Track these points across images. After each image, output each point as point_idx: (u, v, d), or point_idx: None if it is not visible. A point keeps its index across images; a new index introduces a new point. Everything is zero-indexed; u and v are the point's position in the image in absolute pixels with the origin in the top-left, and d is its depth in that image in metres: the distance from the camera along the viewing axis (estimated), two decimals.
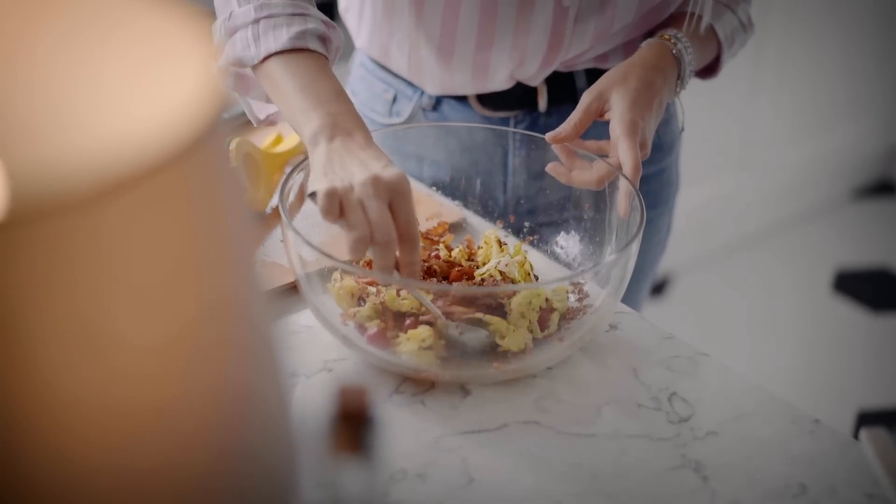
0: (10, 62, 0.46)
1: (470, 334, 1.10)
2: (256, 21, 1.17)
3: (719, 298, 3.17)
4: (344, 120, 1.12)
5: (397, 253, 1.05)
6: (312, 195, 1.07)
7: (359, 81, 1.53)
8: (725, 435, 1.07)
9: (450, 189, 1.37)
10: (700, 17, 1.30)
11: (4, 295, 0.44)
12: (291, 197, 1.20)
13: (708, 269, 3.27)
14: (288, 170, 1.27)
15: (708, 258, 3.29)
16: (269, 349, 0.51)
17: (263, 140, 1.43)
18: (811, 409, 1.11)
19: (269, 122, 1.30)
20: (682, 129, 1.47)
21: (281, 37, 1.16)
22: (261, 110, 1.29)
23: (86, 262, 0.43)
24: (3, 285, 0.43)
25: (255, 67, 1.19)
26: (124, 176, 0.39)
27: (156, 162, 0.40)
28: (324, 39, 1.18)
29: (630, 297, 1.56)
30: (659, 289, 3.19)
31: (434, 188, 1.38)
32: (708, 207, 3.26)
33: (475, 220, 1.35)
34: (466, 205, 1.36)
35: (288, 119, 1.17)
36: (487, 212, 1.35)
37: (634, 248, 1.11)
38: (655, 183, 1.50)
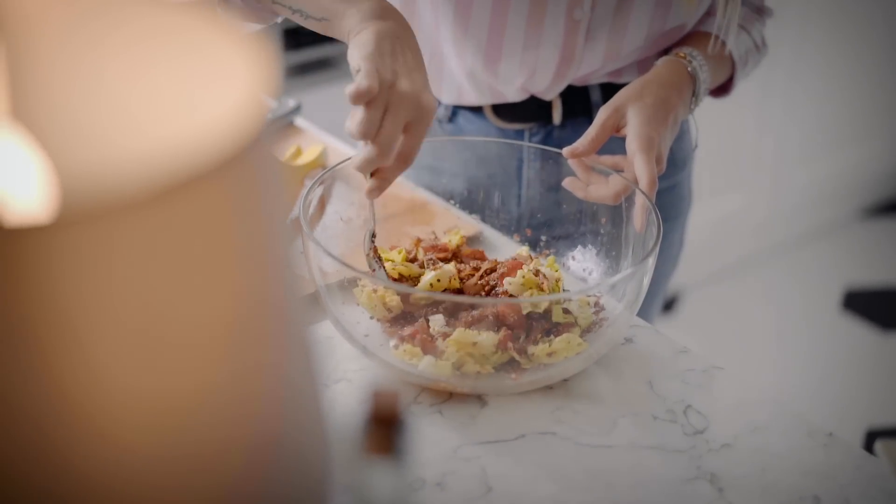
0: (60, 69, 0.47)
1: None
2: None
3: (728, 316, 3.18)
4: (395, 11, 1.15)
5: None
6: (359, 71, 1.09)
7: None
8: (740, 447, 1.08)
9: (466, 201, 1.38)
10: (724, 43, 1.32)
11: (41, 298, 0.45)
12: (312, 209, 1.22)
13: (717, 287, 3.28)
14: (308, 183, 1.28)
15: (718, 276, 3.30)
16: (305, 358, 0.52)
17: (283, 153, 1.44)
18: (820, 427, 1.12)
19: None
20: (696, 146, 1.49)
21: None
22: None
23: (121, 269, 0.44)
24: (41, 288, 0.45)
25: None
26: (165, 185, 0.40)
27: (196, 173, 0.41)
28: None
29: (642, 311, 1.57)
30: (669, 305, 3.20)
31: (451, 201, 1.40)
32: (718, 225, 3.27)
33: (492, 233, 1.37)
34: (483, 218, 1.38)
35: (319, 11, 1.18)
36: (503, 224, 1.37)
37: (651, 261, 1.12)
38: (668, 198, 1.52)
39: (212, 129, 0.42)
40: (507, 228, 1.37)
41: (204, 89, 0.44)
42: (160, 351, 0.44)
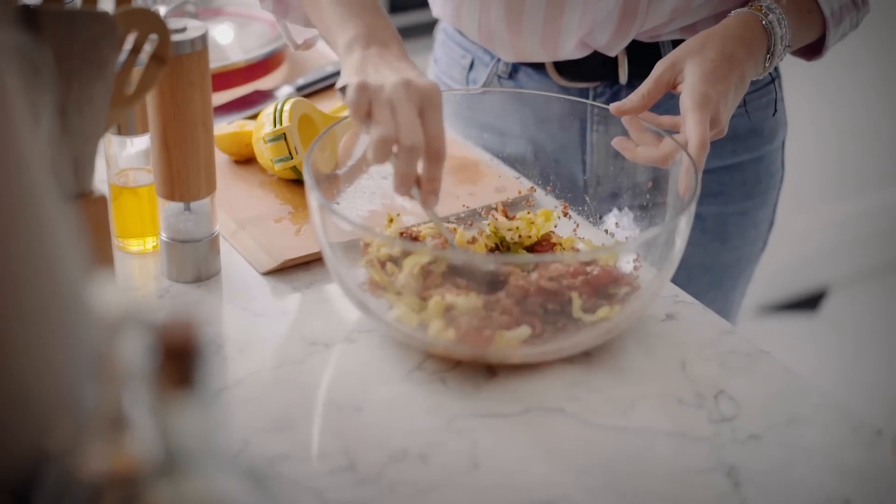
0: None
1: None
2: None
3: (875, 316, 2.98)
4: (381, 31, 1.10)
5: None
6: (343, 89, 1.04)
7: (440, 47, 1.47)
8: (770, 439, 0.96)
9: (525, 164, 1.28)
10: None
11: None
12: (339, 159, 1.15)
13: (869, 285, 3.08)
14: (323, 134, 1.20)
15: (871, 273, 3.11)
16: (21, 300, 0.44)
17: (331, 106, 1.38)
18: None
19: (307, 45, 1.31)
20: (776, 112, 1.35)
21: None
22: (299, 34, 1.31)
23: None
24: None
25: None
26: None
27: None
28: None
29: (724, 298, 1.46)
30: (814, 302, 3.02)
31: (515, 164, 1.29)
32: (873, 219, 3.07)
33: (544, 198, 1.26)
34: (546, 182, 1.26)
35: (323, 32, 1.17)
36: (563, 189, 1.25)
37: (683, 223, 1.01)
38: (752, 171, 1.39)
39: None
40: (569, 194, 1.25)
41: None
42: None
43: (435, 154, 1.02)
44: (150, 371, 0.49)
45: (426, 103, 1.01)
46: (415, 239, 1.11)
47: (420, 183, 1.03)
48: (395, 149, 1.00)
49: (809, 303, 3.02)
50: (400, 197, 1.19)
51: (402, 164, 1.00)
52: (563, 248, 1.14)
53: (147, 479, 0.52)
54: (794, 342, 2.83)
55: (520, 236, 1.13)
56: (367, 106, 1.01)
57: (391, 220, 1.13)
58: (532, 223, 1.15)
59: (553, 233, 1.16)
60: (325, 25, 1.15)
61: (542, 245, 1.15)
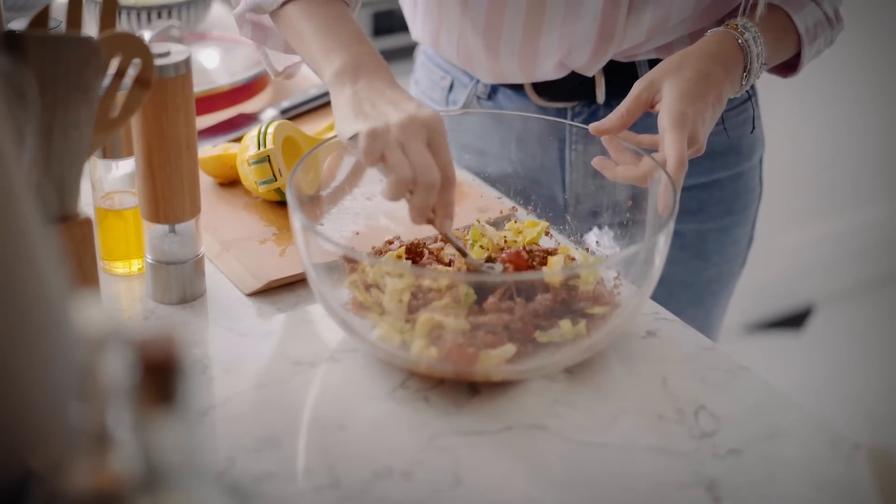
0: None
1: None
2: None
3: (861, 333, 2.99)
4: (367, 60, 1.10)
5: None
6: (353, 138, 1.04)
7: (421, 69, 1.49)
8: (750, 454, 0.97)
9: (505, 183, 1.29)
10: (755, 5, 1.20)
11: None
12: (326, 179, 1.16)
13: (855, 302, 3.10)
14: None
15: (856, 290, 3.12)
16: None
17: (315, 128, 1.39)
18: None
19: (287, 74, 1.30)
20: (753, 129, 1.37)
21: None
22: (279, 61, 1.30)
23: None
24: None
25: (273, 14, 1.18)
26: None
27: None
28: None
29: (705, 314, 1.47)
30: (800, 320, 3.03)
31: (496, 184, 1.30)
32: (859, 236, 3.09)
33: (525, 217, 1.28)
34: (527, 202, 1.28)
35: (309, 62, 1.16)
36: (544, 209, 1.26)
37: (662, 240, 1.02)
38: (731, 188, 1.40)
39: None
40: (549, 214, 1.26)
41: None
42: None
43: (448, 182, 1.04)
44: (132, 387, 0.50)
45: (433, 135, 1.03)
46: (419, 254, 1.13)
47: (435, 210, 1.05)
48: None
49: (795, 321, 3.04)
50: (384, 217, 1.21)
51: (421, 199, 1.02)
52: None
53: (130, 495, 0.53)
54: (779, 360, 2.84)
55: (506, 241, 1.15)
56: (380, 152, 1.02)
57: (399, 257, 1.14)
58: (520, 232, 1.17)
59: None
60: (309, 56, 1.15)
61: (536, 253, 1.15)
